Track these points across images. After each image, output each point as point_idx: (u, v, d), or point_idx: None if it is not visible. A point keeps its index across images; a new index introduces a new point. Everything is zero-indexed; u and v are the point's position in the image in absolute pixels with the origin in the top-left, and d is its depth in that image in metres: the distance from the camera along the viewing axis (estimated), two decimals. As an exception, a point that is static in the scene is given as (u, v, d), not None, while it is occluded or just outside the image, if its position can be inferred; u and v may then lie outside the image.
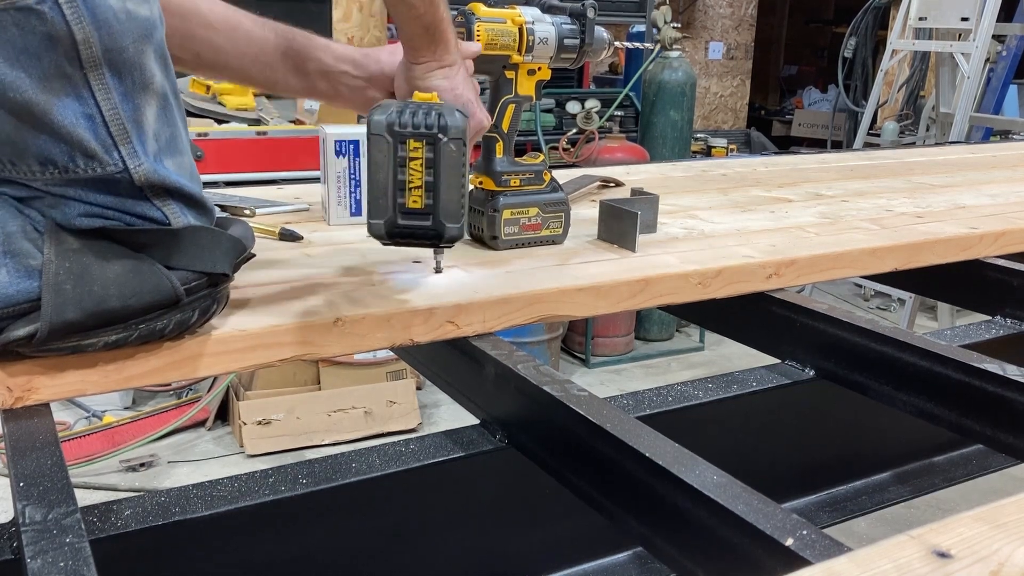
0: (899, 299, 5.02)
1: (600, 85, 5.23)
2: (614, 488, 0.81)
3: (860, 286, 5.44)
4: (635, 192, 1.35)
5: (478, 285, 1.02)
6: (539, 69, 1.20)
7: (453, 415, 3.50)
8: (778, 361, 1.18)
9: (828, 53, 9.94)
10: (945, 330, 1.36)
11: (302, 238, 1.19)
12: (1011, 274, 1.33)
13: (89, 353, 0.77)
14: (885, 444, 1.33)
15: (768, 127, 9.17)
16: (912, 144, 4.98)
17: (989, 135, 4.86)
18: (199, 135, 3.36)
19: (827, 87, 9.50)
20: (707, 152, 5.64)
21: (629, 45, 3.52)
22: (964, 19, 4.51)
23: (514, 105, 1.19)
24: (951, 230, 1.36)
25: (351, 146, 1.27)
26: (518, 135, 1.22)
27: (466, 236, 0.94)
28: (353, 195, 1.28)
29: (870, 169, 2.00)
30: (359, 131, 1.26)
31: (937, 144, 4.34)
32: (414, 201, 0.90)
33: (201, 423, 3.47)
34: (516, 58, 1.17)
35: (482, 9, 1.15)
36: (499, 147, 1.19)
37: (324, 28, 4.52)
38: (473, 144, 1.06)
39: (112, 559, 0.74)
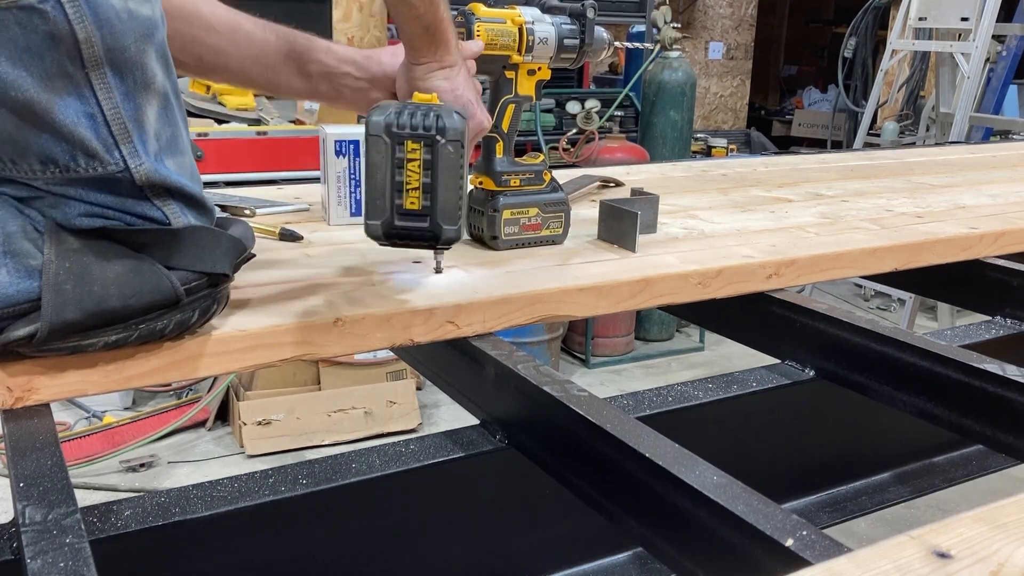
0: (899, 299, 5.02)
1: (600, 85, 5.23)
2: (614, 488, 0.81)
3: (860, 286, 5.44)
4: (635, 192, 1.35)
5: (478, 285, 1.02)
6: (539, 69, 1.20)
7: (453, 415, 3.50)
8: (778, 361, 1.18)
9: (828, 53, 9.94)
10: (945, 330, 1.36)
11: (302, 238, 1.19)
12: (1011, 274, 1.33)
13: (89, 353, 0.77)
14: (885, 444, 1.33)
15: (768, 127, 9.17)
16: (912, 144, 4.98)
17: (989, 135, 4.86)
18: (199, 135, 3.36)
19: (827, 87, 9.50)
20: (707, 152, 5.65)
21: (629, 45, 3.52)
22: (964, 19, 4.51)
23: (514, 105, 1.19)
24: (951, 230, 1.36)
25: (351, 146, 1.27)
26: (518, 135, 1.22)
27: (466, 236, 0.94)
28: (353, 195, 1.28)
29: (870, 169, 2.00)
30: (359, 131, 1.26)
31: (937, 144, 4.34)
32: (411, 202, 0.89)
33: (201, 423, 3.47)
34: (516, 58, 1.17)
35: (482, 9, 1.15)
36: (499, 147, 1.19)
37: (324, 28, 4.52)
38: (474, 145, 1.06)
39: (112, 559, 0.74)
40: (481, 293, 0.99)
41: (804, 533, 0.64)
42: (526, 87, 1.19)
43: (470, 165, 1.13)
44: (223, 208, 1.27)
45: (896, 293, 4.96)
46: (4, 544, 0.75)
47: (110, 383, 0.80)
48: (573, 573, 1.08)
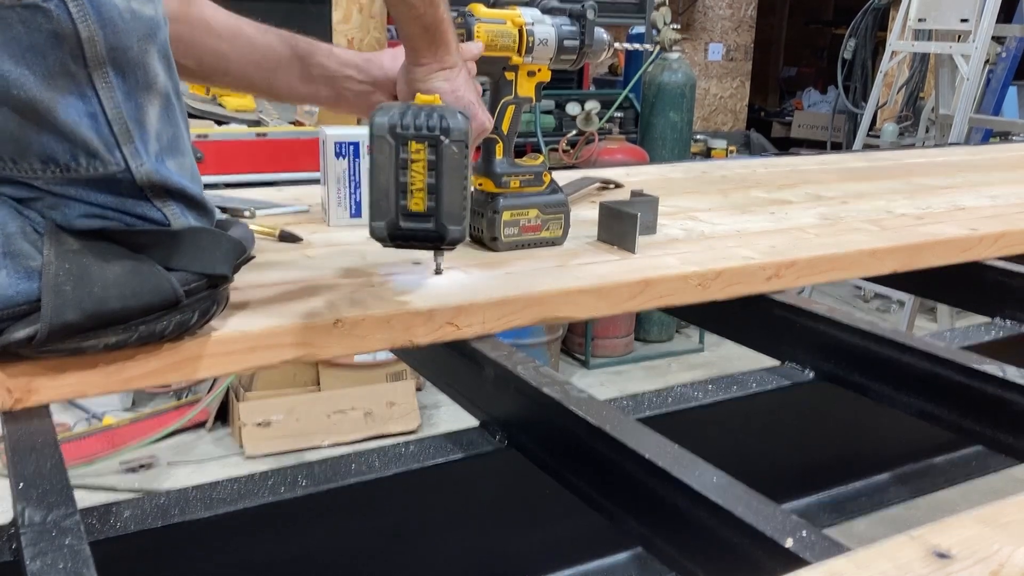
0: (899, 301, 5.02)
1: (600, 87, 5.24)
2: (614, 489, 0.81)
3: (860, 288, 5.44)
4: (635, 194, 1.35)
5: (478, 287, 1.02)
6: (539, 70, 1.20)
7: (453, 416, 3.50)
8: (778, 363, 1.18)
9: (828, 54, 9.95)
10: (945, 331, 1.36)
11: (302, 240, 1.19)
12: (1011, 276, 1.33)
13: (89, 354, 0.77)
14: (885, 445, 1.34)
15: (768, 128, 9.17)
16: (912, 145, 4.98)
17: (989, 136, 4.86)
18: (199, 136, 3.36)
19: (827, 88, 9.50)
20: (707, 153, 5.65)
21: (629, 47, 3.50)
22: (963, 20, 4.51)
23: (514, 106, 1.19)
24: (951, 232, 1.36)
25: (351, 147, 1.27)
26: (518, 136, 1.22)
27: (466, 237, 0.95)
28: (353, 196, 1.28)
29: (870, 171, 2.00)
30: (359, 132, 1.27)
31: (937, 145, 4.34)
32: (416, 203, 0.90)
33: (201, 424, 3.47)
34: (516, 59, 1.17)
35: (482, 10, 1.15)
36: (499, 148, 1.19)
37: (324, 29, 4.52)
38: (475, 146, 1.06)
39: (112, 561, 0.73)
40: (481, 294, 0.99)
41: (804, 533, 0.64)
42: (526, 88, 1.19)
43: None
44: (223, 210, 1.27)
45: (896, 294, 4.96)
46: (3, 545, 0.75)
47: (110, 384, 0.80)
48: (573, 573, 1.08)
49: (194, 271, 0.79)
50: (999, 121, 4.92)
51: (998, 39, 4.83)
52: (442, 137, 0.88)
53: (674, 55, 4.25)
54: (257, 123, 3.70)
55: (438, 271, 1.02)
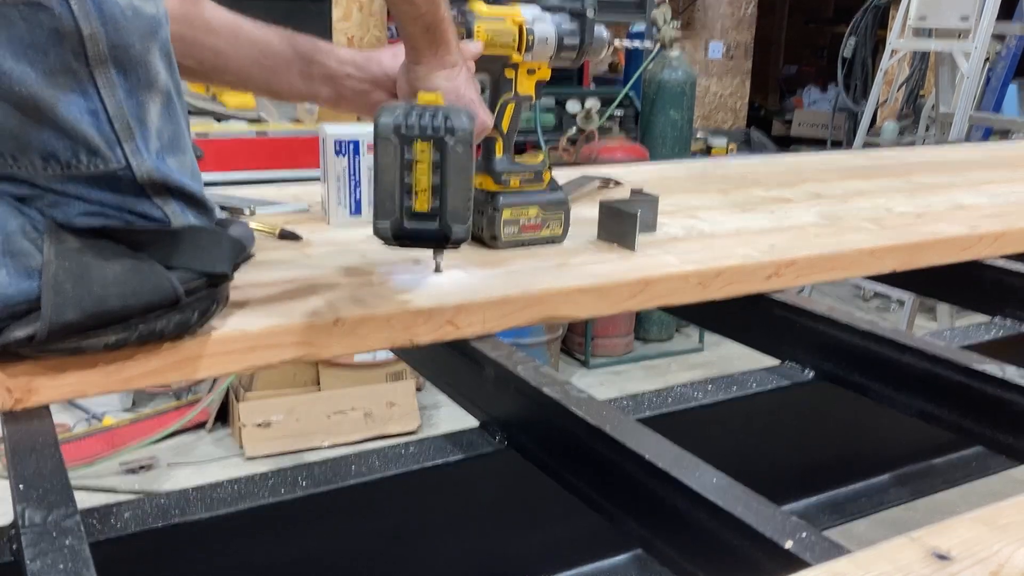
0: (899, 300, 5.02)
1: (600, 84, 5.23)
2: (614, 490, 0.81)
3: (860, 287, 5.44)
4: (635, 192, 1.35)
5: (478, 286, 1.02)
6: (539, 68, 1.20)
7: (453, 416, 3.50)
8: (778, 362, 1.18)
9: (828, 53, 9.93)
10: (945, 331, 1.36)
11: (302, 238, 1.19)
12: (1011, 275, 1.33)
13: (89, 354, 0.77)
14: (885, 446, 1.34)
15: (768, 126, 9.16)
16: (912, 144, 4.98)
17: (989, 134, 4.86)
18: (199, 134, 3.36)
19: (827, 86, 9.49)
20: (707, 151, 5.64)
21: (629, 44, 3.50)
22: (964, 18, 4.51)
23: (514, 104, 1.19)
24: (951, 230, 1.36)
25: (351, 146, 1.27)
26: (518, 135, 1.22)
27: (470, 237, 0.95)
28: (353, 195, 1.28)
29: (870, 169, 2.00)
30: (359, 131, 1.26)
31: (937, 143, 4.34)
32: (421, 203, 0.90)
33: (201, 425, 3.47)
34: (516, 57, 1.16)
35: (482, 8, 1.15)
36: (499, 146, 1.19)
37: (324, 27, 4.52)
38: (476, 145, 1.06)
39: (112, 561, 0.73)
40: (481, 294, 0.99)
41: (804, 535, 0.64)
42: (526, 86, 1.19)
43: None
44: (223, 208, 1.27)
45: (896, 294, 4.96)
46: (4, 546, 0.75)
47: (110, 384, 0.80)
48: (573, 574, 1.08)
49: (194, 270, 0.79)
50: (999, 119, 4.92)
51: (998, 37, 4.83)
52: (447, 137, 0.88)
53: (674, 53, 4.25)
54: (257, 121, 3.69)
55: (438, 270, 1.02)
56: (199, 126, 3.44)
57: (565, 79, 4.61)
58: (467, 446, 0.97)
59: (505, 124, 1.19)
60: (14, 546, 0.74)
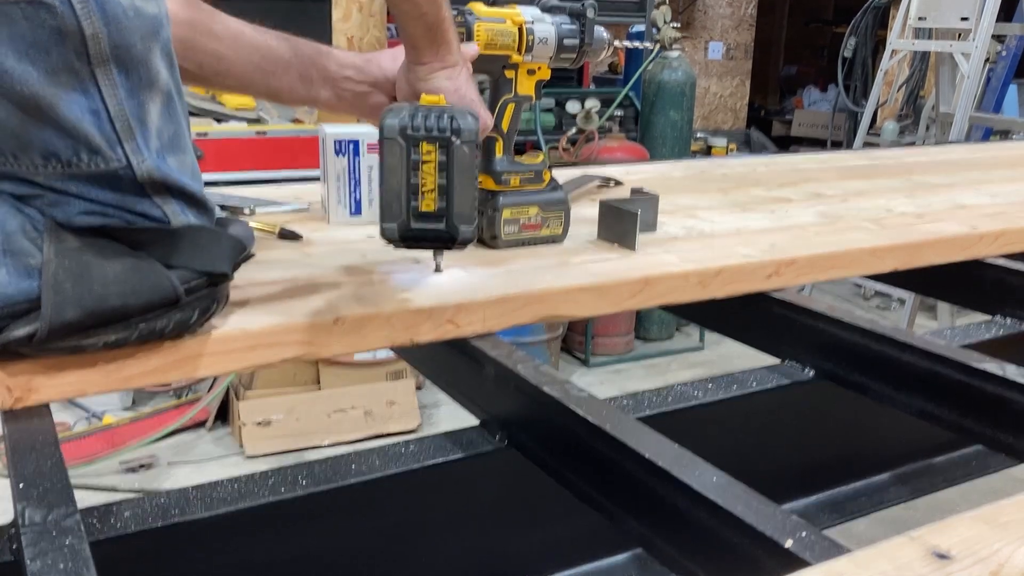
0: (899, 299, 5.02)
1: (600, 85, 5.23)
2: (614, 489, 0.81)
3: (860, 286, 5.44)
4: (635, 192, 1.35)
5: (478, 285, 1.02)
6: (539, 69, 1.19)
7: (453, 415, 3.50)
8: (778, 361, 1.18)
9: (828, 53, 9.94)
10: (945, 330, 1.36)
11: (302, 238, 1.19)
12: (1011, 274, 1.33)
13: (89, 353, 0.77)
14: (885, 444, 1.34)
15: (768, 127, 9.17)
16: (912, 144, 4.98)
17: (989, 135, 4.86)
18: (199, 134, 3.36)
19: (827, 87, 9.50)
20: (707, 151, 5.65)
21: (629, 45, 3.50)
22: (964, 19, 4.51)
23: (514, 105, 1.19)
24: (951, 230, 1.36)
25: (351, 145, 1.27)
26: (518, 135, 1.22)
27: (476, 237, 0.95)
28: (353, 195, 1.28)
29: (870, 169, 2.00)
30: (358, 131, 1.26)
31: (937, 143, 4.34)
32: (427, 204, 0.90)
33: (201, 424, 3.47)
34: (516, 58, 1.17)
35: (481, 9, 1.15)
36: (499, 146, 1.19)
37: (324, 28, 4.52)
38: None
39: (112, 561, 0.73)
40: (481, 293, 0.99)
41: (804, 534, 0.64)
42: (526, 87, 1.19)
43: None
44: (223, 207, 1.27)
45: (896, 292, 4.96)
46: (4, 545, 0.75)
47: (110, 383, 0.80)
48: (573, 573, 1.08)
49: (194, 269, 0.79)
50: (999, 119, 4.92)
51: (998, 37, 4.83)
52: (453, 138, 0.89)
53: (674, 53, 4.25)
54: (257, 121, 3.70)
55: (438, 269, 1.02)
56: (199, 126, 3.44)
57: (565, 79, 4.61)
58: (467, 445, 0.97)
59: (505, 124, 1.19)
60: (14, 545, 0.74)
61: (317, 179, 1.35)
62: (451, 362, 1.06)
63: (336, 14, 4.63)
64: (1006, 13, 4.74)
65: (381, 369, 3.48)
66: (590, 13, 1.20)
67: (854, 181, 1.80)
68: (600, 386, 4.03)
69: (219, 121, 3.61)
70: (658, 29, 4.25)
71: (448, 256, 1.03)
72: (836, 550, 0.61)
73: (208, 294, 0.82)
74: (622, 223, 1.21)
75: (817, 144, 8.05)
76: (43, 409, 0.79)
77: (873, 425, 1.29)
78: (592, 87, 5.01)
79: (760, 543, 0.65)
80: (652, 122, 4.33)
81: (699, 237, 1.28)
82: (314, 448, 3.33)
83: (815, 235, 1.32)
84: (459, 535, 1.02)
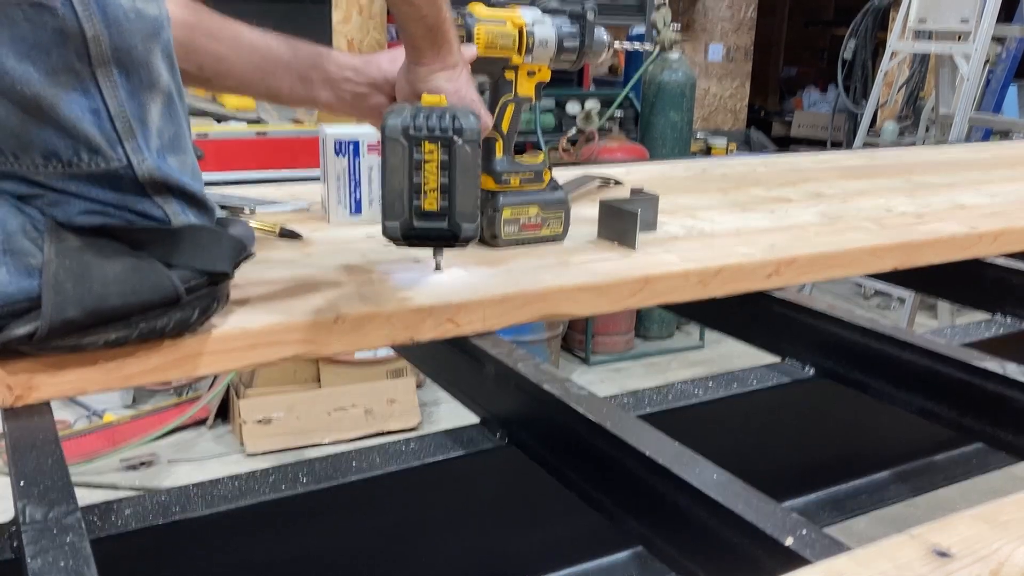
0: (899, 298, 5.02)
1: (600, 86, 5.23)
2: (614, 487, 0.81)
3: (860, 284, 5.44)
4: (635, 191, 1.35)
5: (478, 284, 1.02)
6: (539, 70, 1.20)
7: (453, 413, 3.50)
8: (778, 360, 1.18)
9: (828, 54, 9.94)
10: (945, 328, 1.36)
11: (302, 237, 1.19)
12: (1011, 273, 1.33)
13: (89, 351, 0.77)
14: (885, 443, 1.34)
15: (768, 128, 9.16)
16: (912, 145, 4.98)
17: (988, 136, 4.86)
18: (199, 135, 3.36)
19: (827, 88, 9.50)
20: (707, 151, 5.65)
21: (629, 46, 3.50)
22: (964, 21, 4.51)
23: (514, 106, 1.19)
24: (951, 229, 1.36)
25: (351, 146, 1.27)
26: (518, 135, 1.22)
27: (479, 235, 0.95)
28: (353, 194, 1.28)
29: (870, 169, 2.00)
30: (358, 131, 1.27)
31: (937, 143, 4.34)
32: (430, 203, 0.91)
33: (201, 422, 3.47)
34: (516, 59, 1.17)
35: (482, 10, 1.15)
36: (499, 147, 1.19)
37: (324, 30, 4.52)
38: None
39: (113, 558, 0.74)
40: (481, 292, 0.99)
41: (804, 532, 0.64)
42: (526, 88, 1.19)
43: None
44: (223, 207, 1.27)
45: (896, 291, 4.96)
46: (4, 543, 0.75)
47: (110, 381, 0.80)
48: (573, 572, 1.08)
49: (195, 268, 0.79)
50: (999, 120, 4.91)
51: (998, 39, 4.83)
52: (455, 137, 0.89)
53: (674, 55, 4.25)
54: (257, 122, 3.70)
55: (438, 268, 1.02)
56: (199, 127, 3.44)
57: (565, 81, 4.61)
58: (467, 443, 0.97)
59: (505, 125, 1.19)
60: (15, 543, 0.74)
61: (317, 179, 1.35)
62: (452, 360, 1.07)
63: (336, 16, 4.63)
64: (1006, 14, 4.74)
65: (381, 367, 3.48)
66: (590, 15, 1.20)
67: (854, 181, 1.80)
68: (600, 384, 4.04)
69: (219, 121, 3.61)
70: (658, 31, 4.25)
71: (448, 255, 1.03)
72: (836, 548, 0.61)
73: (208, 293, 0.82)
74: (622, 222, 1.21)
75: (817, 145, 8.05)
76: (43, 407, 0.79)
77: (873, 423, 1.29)
78: (592, 88, 5.01)
79: (760, 541, 0.65)
80: (652, 123, 4.33)
81: (699, 236, 1.28)
82: (314, 446, 3.33)
83: (815, 235, 1.32)
84: (459, 533, 1.02)
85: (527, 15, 1.17)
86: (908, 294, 4.53)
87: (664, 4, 4.31)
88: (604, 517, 0.83)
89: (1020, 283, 1.31)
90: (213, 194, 0.86)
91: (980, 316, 1.38)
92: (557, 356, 4.14)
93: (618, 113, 4.44)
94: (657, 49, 4.25)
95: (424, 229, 0.92)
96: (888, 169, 2.01)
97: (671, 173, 1.88)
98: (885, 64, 4.93)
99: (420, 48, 1.01)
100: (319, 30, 4.46)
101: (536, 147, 4.17)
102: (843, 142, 6.81)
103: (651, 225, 1.29)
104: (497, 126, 1.18)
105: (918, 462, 1.34)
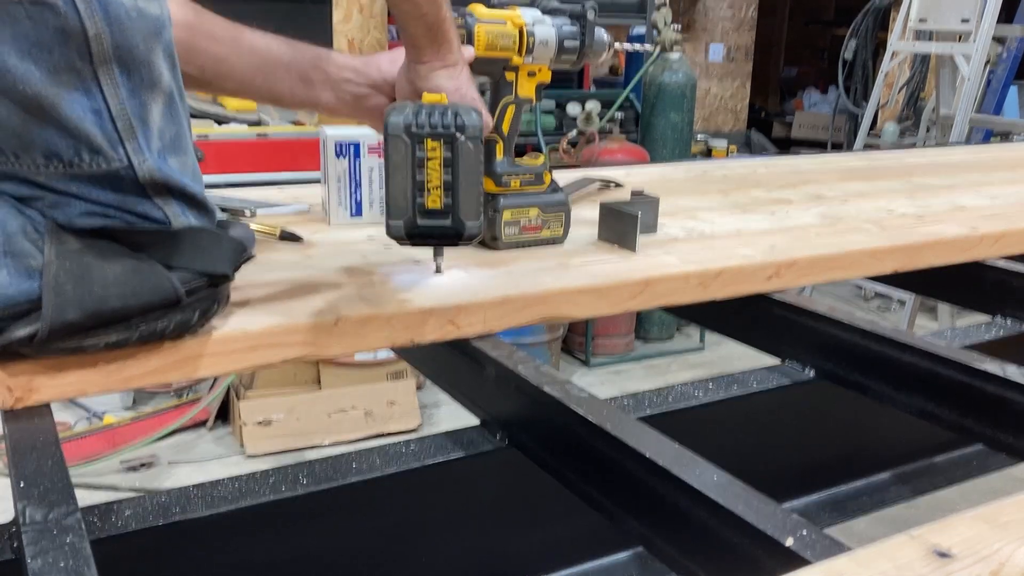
0: (899, 300, 5.02)
1: (600, 87, 5.23)
2: (614, 488, 0.81)
3: (860, 287, 5.44)
4: (635, 193, 1.35)
5: (478, 286, 1.02)
6: (539, 71, 1.20)
7: (453, 415, 3.50)
8: (778, 362, 1.18)
9: (828, 55, 9.95)
10: (945, 330, 1.36)
11: (302, 239, 1.19)
12: (1011, 275, 1.33)
13: (90, 353, 0.77)
14: (885, 444, 1.34)
15: (768, 128, 9.17)
16: (912, 145, 4.98)
17: (989, 137, 4.86)
18: (200, 136, 3.36)
19: (827, 89, 9.50)
20: (707, 153, 5.65)
21: (629, 47, 3.51)
22: (964, 21, 4.51)
23: (514, 107, 1.19)
24: (951, 231, 1.36)
25: (351, 147, 1.27)
26: (519, 136, 1.22)
27: (482, 232, 0.95)
28: (353, 196, 1.28)
29: (870, 170, 2.00)
30: (359, 133, 1.27)
31: (937, 145, 4.34)
32: (433, 201, 0.90)
33: (202, 423, 3.48)
34: (516, 60, 1.17)
35: (482, 11, 1.15)
36: (499, 148, 1.19)
37: (324, 30, 4.52)
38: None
39: (113, 559, 0.74)
40: (481, 294, 0.99)
41: (804, 532, 0.64)
42: (526, 89, 1.19)
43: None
44: (223, 209, 1.27)
45: (896, 294, 4.96)
46: (5, 544, 0.75)
47: (111, 383, 0.80)
48: (573, 573, 1.08)
49: (195, 270, 0.79)
50: (1000, 121, 4.92)
51: (999, 39, 4.83)
52: (458, 134, 0.89)
53: (675, 55, 4.25)
54: (257, 123, 3.70)
55: (438, 270, 1.02)
56: (200, 128, 3.44)
57: (565, 81, 4.61)
58: (468, 444, 0.97)
59: (505, 126, 1.19)
60: (15, 544, 0.74)
61: (318, 181, 1.35)
62: (452, 362, 1.07)
63: (337, 16, 4.63)
64: (1007, 15, 4.74)
65: (382, 369, 3.48)
66: (591, 15, 1.20)
67: (854, 183, 1.80)
68: (600, 386, 4.04)
69: (220, 123, 3.61)
70: (659, 31, 4.26)
71: (449, 257, 1.03)
72: (837, 549, 0.61)
73: (209, 295, 0.82)
74: (623, 224, 1.21)
75: (817, 146, 8.05)
76: (44, 409, 0.79)
77: (873, 425, 1.29)
78: (593, 89, 5.01)
79: (760, 542, 0.65)
80: (652, 124, 4.33)
81: (699, 238, 1.28)
82: (315, 448, 3.33)
83: (815, 236, 1.32)
84: (459, 534, 1.02)
85: (527, 15, 1.17)
86: (908, 296, 4.53)
87: (665, 4, 4.31)
88: (604, 517, 0.83)
89: (1020, 285, 1.31)
90: (213, 196, 0.86)
91: (980, 318, 1.38)
92: (557, 358, 4.14)
93: (618, 114, 4.45)
94: (658, 49, 4.25)
95: (428, 227, 0.92)
96: (888, 171, 2.01)
97: (671, 175, 1.88)
98: (886, 64, 4.94)
99: (420, 46, 1.01)
100: (319, 30, 4.47)
101: (536, 149, 4.17)
102: (844, 143, 6.81)
103: (651, 227, 1.29)
104: (498, 127, 1.18)
105: (918, 463, 1.34)
